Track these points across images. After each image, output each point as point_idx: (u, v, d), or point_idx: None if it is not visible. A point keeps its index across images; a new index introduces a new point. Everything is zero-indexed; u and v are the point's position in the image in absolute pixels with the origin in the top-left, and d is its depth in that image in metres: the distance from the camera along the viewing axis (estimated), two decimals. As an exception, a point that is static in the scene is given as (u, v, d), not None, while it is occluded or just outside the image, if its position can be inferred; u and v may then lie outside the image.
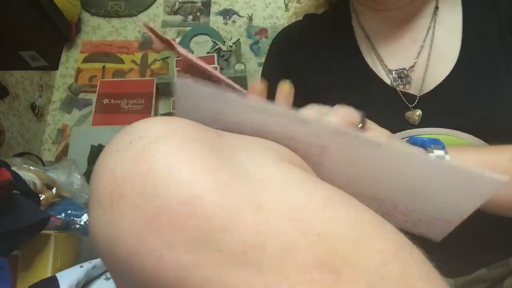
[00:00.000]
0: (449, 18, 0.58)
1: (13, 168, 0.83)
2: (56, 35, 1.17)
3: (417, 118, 0.54)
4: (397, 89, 0.56)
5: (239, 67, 1.67)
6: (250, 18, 1.84)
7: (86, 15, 1.91)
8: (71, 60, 1.85)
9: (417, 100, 0.55)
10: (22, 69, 1.23)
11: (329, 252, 0.19)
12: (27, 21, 1.07)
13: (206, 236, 0.19)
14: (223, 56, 1.69)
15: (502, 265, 0.55)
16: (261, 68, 1.84)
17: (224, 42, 1.72)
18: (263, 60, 1.76)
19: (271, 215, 0.20)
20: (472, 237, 0.52)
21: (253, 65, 1.77)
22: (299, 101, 0.68)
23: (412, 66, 0.57)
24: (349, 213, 0.22)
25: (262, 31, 1.83)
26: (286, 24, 0.76)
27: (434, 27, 0.58)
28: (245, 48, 1.79)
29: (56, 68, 1.35)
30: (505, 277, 0.56)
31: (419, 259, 0.22)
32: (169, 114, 1.53)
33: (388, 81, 0.58)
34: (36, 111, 1.66)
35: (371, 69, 0.59)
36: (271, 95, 0.67)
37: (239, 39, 1.75)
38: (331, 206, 0.21)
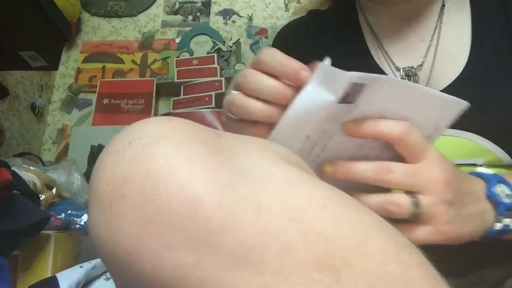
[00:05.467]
0: (456, 17, 0.58)
1: (13, 168, 0.83)
2: (56, 35, 1.17)
3: None
4: None
5: (239, 67, 1.67)
6: (250, 18, 1.84)
7: (86, 15, 1.91)
8: (71, 60, 1.85)
9: None
10: (22, 69, 1.23)
11: (328, 253, 0.19)
12: (27, 21, 1.07)
13: (205, 236, 0.19)
14: (223, 56, 1.69)
15: (504, 266, 0.55)
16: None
17: (224, 42, 1.72)
18: (263, 60, 1.76)
19: (271, 215, 0.20)
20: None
21: (253, 65, 1.77)
22: None
23: (420, 65, 0.57)
24: (349, 213, 0.22)
25: (262, 31, 1.83)
26: (286, 23, 0.75)
27: (440, 26, 0.58)
28: (245, 48, 1.79)
29: (56, 68, 1.35)
30: (507, 278, 0.56)
31: (419, 259, 0.22)
32: (168, 114, 1.53)
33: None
34: (36, 111, 1.66)
35: (378, 66, 0.59)
36: None
37: (239, 39, 1.75)
38: (331, 206, 0.21)
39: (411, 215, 0.34)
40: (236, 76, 0.35)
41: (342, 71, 0.31)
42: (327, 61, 0.32)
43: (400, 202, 0.34)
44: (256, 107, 0.33)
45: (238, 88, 0.35)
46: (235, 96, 0.34)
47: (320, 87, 0.31)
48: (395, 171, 0.34)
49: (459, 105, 0.35)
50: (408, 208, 0.34)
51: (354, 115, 0.34)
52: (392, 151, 0.36)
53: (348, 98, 0.32)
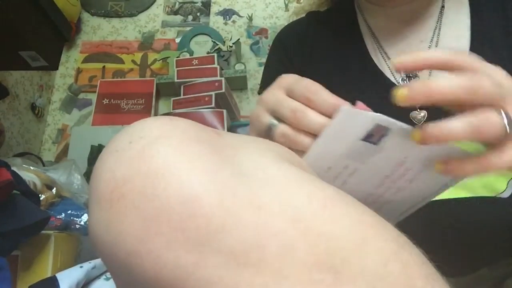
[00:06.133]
0: (456, 19, 0.57)
1: (13, 168, 0.83)
2: (56, 35, 1.17)
3: (421, 118, 0.54)
4: None
5: (239, 67, 1.67)
6: (250, 18, 1.84)
7: (86, 15, 1.91)
8: (71, 60, 1.85)
9: None
10: (22, 69, 1.23)
11: (329, 252, 0.19)
12: (27, 21, 1.07)
13: (205, 236, 0.19)
14: (223, 56, 1.69)
15: (503, 265, 0.55)
16: (261, 68, 1.84)
17: (224, 42, 1.72)
18: (263, 60, 1.76)
19: (271, 215, 0.20)
20: (474, 237, 0.52)
21: (253, 65, 1.77)
22: None
23: None
24: (349, 213, 0.22)
25: (262, 31, 1.83)
26: (286, 24, 0.75)
27: (440, 27, 0.57)
28: (245, 48, 1.79)
29: (56, 68, 1.35)
30: (507, 277, 0.56)
31: (419, 259, 0.22)
32: (169, 114, 1.53)
33: (393, 80, 0.57)
34: (36, 111, 1.66)
35: (378, 68, 0.59)
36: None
37: (239, 39, 1.75)
38: (331, 206, 0.21)
39: (504, 130, 0.30)
40: (279, 106, 0.36)
41: (368, 111, 0.31)
42: (348, 105, 0.32)
43: (491, 118, 0.30)
44: (306, 142, 0.34)
45: (284, 119, 0.35)
46: (285, 130, 0.35)
47: (345, 124, 0.32)
48: (485, 85, 0.30)
49: None
50: (500, 121, 0.30)
51: (376, 157, 0.34)
52: (422, 182, 0.36)
53: (372, 138, 0.32)
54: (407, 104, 0.31)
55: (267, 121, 0.36)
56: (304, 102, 0.35)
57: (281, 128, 0.36)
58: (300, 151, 0.35)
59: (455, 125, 0.30)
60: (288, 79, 0.37)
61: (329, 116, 0.33)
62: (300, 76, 0.36)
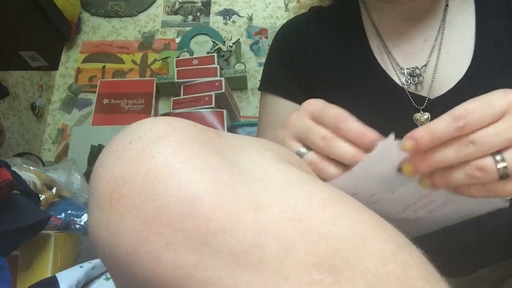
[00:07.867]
0: (460, 18, 0.57)
1: (13, 168, 0.83)
2: (56, 35, 1.17)
3: (425, 121, 0.53)
4: (407, 89, 0.55)
5: (239, 67, 1.67)
6: (250, 18, 1.84)
7: (86, 15, 1.91)
8: (71, 60, 1.85)
9: (426, 102, 0.54)
10: (22, 69, 1.23)
11: (328, 253, 0.19)
12: (27, 21, 1.07)
13: (205, 236, 0.19)
14: (223, 56, 1.69)
15: (504, 266, 0.55)
16: (261, 68, 1.84)
17: (224, 42, 1.72)
18: (263, 60, 1.76)
19: (271, 215, 0.20)
20: (474, 237, 0.52)
21: (253, 65, 1.77)
22: (305, 95, 0.65)
23: (425, 65, 0.56)
24: (349, 213, 0.22)
25: (262, 31, 1.82)
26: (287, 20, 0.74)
27: (444, 27, 0.57)
28: (245, 48, 1.79)
29: (56, 68, 1.35)
30: (507, 277, 0.56)
31: (419, 259, 0.22)
32: (168, 114, 1.53)
33: (397, 80, 0.56)
34: (36, 111, 1.66)
35: (381, 67, 0.58)
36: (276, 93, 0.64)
37: (239, 39, 1.75)
38: (331, 206, 0.21)
39: (499, 175, 0.31)
40: (308, 133, 0.36)
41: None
42: (392, 136, 0.31)
43: (483, 165, 0.30)
44: (332, 171, 0.34)
45: (313, 146, 0.35)
46: (313, 158, 0.35)
47: (382, 157, 0.32)
48: (475, 142, 0.30)
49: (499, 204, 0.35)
50: (493, 169, 0.30)
51: (405, 187, 0.34)
52: (441, 206, 0.36)
53: None
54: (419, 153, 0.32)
55: (295, 149, 0.36)
56: (332, 131, 0.34)
57: (310, 157, 0.35)
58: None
59: (456, 176, 0.32)
60: (315, 105, 0.36)
61: (358, 145, 0.33)
62: (327, 103, 0.36)
